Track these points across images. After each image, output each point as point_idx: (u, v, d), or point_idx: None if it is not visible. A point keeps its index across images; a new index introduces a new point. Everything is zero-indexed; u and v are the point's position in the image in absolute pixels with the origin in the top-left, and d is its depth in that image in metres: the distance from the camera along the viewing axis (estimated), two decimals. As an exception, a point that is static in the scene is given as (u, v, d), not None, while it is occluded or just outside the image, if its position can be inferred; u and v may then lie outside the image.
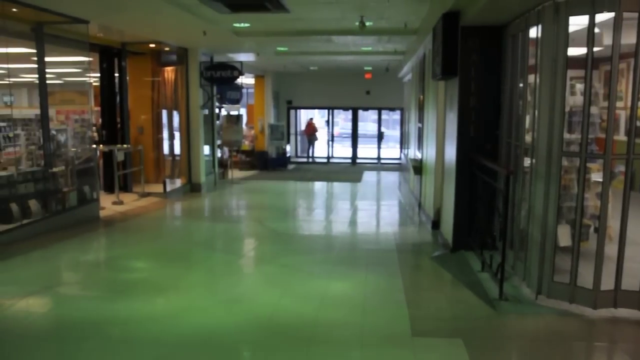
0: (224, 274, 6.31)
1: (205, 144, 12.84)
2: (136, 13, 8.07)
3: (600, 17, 4.49)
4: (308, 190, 14.11)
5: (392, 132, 24.02)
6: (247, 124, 18.66)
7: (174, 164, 12.23)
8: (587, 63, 4.48)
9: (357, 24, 8.80)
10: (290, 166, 18.84)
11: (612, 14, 4.36)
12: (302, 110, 21.88)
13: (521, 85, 5.70)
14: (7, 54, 7.43)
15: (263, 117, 18.38)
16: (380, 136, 20.59)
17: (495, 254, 5.63)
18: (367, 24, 8.88)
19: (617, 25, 4.33)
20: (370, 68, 17.60)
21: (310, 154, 21.05)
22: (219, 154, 14.33)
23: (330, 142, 20.89)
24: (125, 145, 11.03)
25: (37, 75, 8.11)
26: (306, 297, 5.34)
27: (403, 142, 17.20)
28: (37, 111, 8.31)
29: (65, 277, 6.32)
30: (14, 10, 7.23)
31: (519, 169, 5.64)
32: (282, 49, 12.98)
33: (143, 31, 9.83)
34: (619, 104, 8.50)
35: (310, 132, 20.93)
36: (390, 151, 20.75)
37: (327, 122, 21.18)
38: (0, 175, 7.44)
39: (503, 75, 6.26)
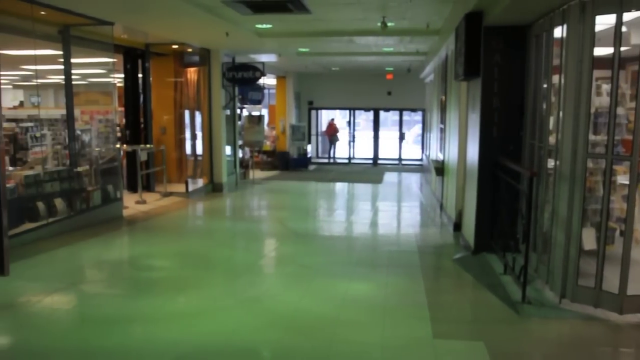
0: (244, 273, 6.34)
1: (227, 144, 12.92)
2: (160, 15, 8.15)
3: (627, 16, 4.41)
4: (329, 190, 14.11)
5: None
6: (268, 125, 18.74)
7: (196, 164, 12.34)
8: (613, 63, 4.40)
9: (378, 24, 8.76)
10: (311, 167, 18.86)
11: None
12: (324, 111, 21.89)
13: (545, 85, 5.63)
14: (35, 56, 7.58)
15: (284, 117, 18.44)
16: (401, 137, 20.48)
17: (518, 257, 5.56)
18: (389, 24, 8.84)
19: (645, 25, 4.25)
20: (391, 69, 17.54)
21: (331, 155, 21.04)
22: (240, 154, 14.41)
23: (352, 143, 20.85)
24: (148, 145, 11.16)
25: (63, 77, 8.25)
26: (327, 297, 5.34)
27: (424, 143, 17.10)
28: (63, 111, 8.45)
29: (89, 275, 6.41)
30: (43, 13, 7.36)
31: (543, 171, 5.57)
32: (303, 49, 13.01)
33: (166, 32, 9.94)
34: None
35: (332, 132, 20.93)
36: (412, 152, 20.62)
37: (349, 122, 21.16)
38: (27, 175, 7.57)
39: (527, 76, 6.19)
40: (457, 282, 6.09)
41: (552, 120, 5.44)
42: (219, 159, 12.44)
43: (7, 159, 7.73)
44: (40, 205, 7.58)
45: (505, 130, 6.39)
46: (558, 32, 5.12)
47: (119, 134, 11.15)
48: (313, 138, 20.73)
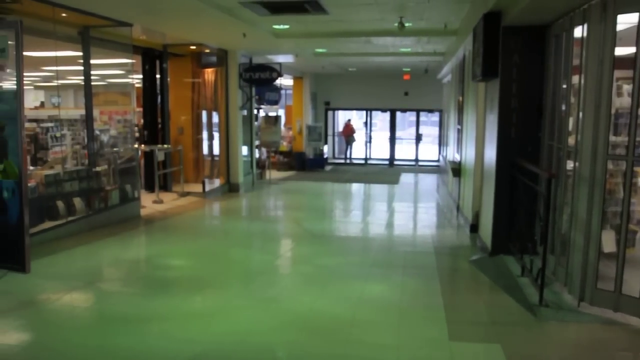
0: (260, 273, 6.36)
1: (244, 144, 12.97)
2: (178, 16, 8.21)
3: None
4: (345, 191, 14.09)
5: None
6: (285, 125, 18.77)
7: (213, 164, 12.41)
8: (635, 63, 4.34)
9: (396, 24, 8.74)
10: (328, 167, 18.85)
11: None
12: (340, 112, 21.87)
13: (565, 86, 5.56)
14: (56, 57, 7.68)
15: (301, 118, 18.46)
16: (418, 138, 20.40)
17: (536, 259, 5.51)
18: (407, 24, 8.81)
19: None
20: (408, 69, 17.47)
21: (348, 155, 21.02)
22: (257, 154, 14.46)
23: (368, 144, 20.81)
24: (165, 146, 11.24)
25: (82, 77, 8.35)
26: (343, 298, 5.33)
27: (441, 144, 17.01)
28: (82, 112, 8.55)
29: (106, 273, 6.48)
30: (63, 15, 7.46)
31: (562, 172, 5.50)
32: (320, 50, 13.01)
33: (184, 33, 10.00)
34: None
35: (348, 133, 20.90)
36: (428, 153, 20.52)
37: (365, 123, 21.12)
38: (47, 174, 7.68)
39: (546, 77, 6.12)
40: (473, 284, 6.04)
41: (571, 121, 5.38)
42: (235, 159, 12.49)
43: (28, 158, 7.84)
44: (60, 204, 7.68)
45: (523, 131, 6.33)
46: (578, 31, 5.06)
47: (137, 134, 11.25)
48: (329, 139, 20.72)
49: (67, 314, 4.90)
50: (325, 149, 19.31)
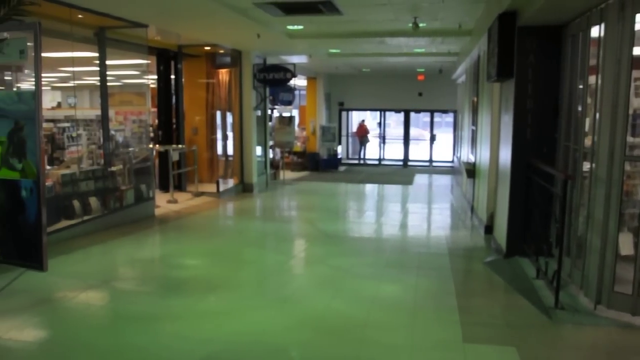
0: (274, 273, 6.37)
1: (258, 144, 13.01)
2: (192, 17, 8.25)
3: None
4: (359, 192, 14.07)
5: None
6: (299, 126, 18.78)
7: (227, 165, 12.45)
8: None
9: (410, 25, 8.71)
10: (341, 168, 18.84)
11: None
12: (354, 112, 21.85)
13: (581, 86, 5.50)
14: (72, 58, 7.76)
15: (315, 118, 18.47)
16: (432, 139, 20.30)
17: (551, 261, 5.46)
18: (421, 25, 8.78)
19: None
20: (423, 69, 17.41)
21: (362, 156, 20.99)
22: (271, 155, 14.49)
23: (382, 144, 20.77)
24: (180, 146, 11.31)
25: (98, 78, 8.42)
26: (356, 299, 5.32)
27: (456, 145, 16.92)
28: (98, 112, 8.63)
29: (122, 272, 6.53)
30: (80, 16, 7.53)
31: (578, 174, 5.45)
32: (334, 51, 13.01)
33: (199, 34, 10.05)
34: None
35: (362, 134, 20.87)
36: (443, 153, 20.43)
37: (379, 124, 21.07)
38: (64, 173, 7.76)
39: (562, 77, 6.07)
40: (488, 286, 6.00)
41: (588, 121, 5.32)
42: (249, 159, 12.53)
43: (45, 158, 7.93)
44: (76, 203, 7.75)
45: (539, 132, 6.28)
46: (595, 31, 5.00)
47: (151, 134, 11.33)
48: (343, 139, 20.69)
49: (83, 312, 4.95)
50: (339, 149, 19.29)
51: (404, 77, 18.70)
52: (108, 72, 8.52)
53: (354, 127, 21.71)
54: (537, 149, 6.25)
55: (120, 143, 9.25)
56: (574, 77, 5.68)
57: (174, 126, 11.66)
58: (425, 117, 22.28)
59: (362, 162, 20.78)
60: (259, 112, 13.03)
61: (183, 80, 11.62)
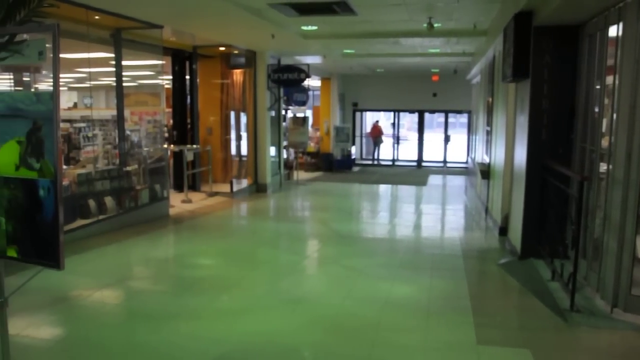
0: (287, 273, 6.38)
1: (272, 145, 13.04)
2: (208, 17, 8.30)
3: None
4: (372, 192, 14.05)
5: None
6: (312, 126, 18.79)
7: (241, 165, 12.50)
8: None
9: (425, 25, 8.68)
10: (355, 168, 18.82)
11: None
12: (368, 113, 21.81)
13: (598, 87, 5.45)
14: (88, 59, 7.84)
15: (329, 119, 18.48)
16: (446, 140, 20.21)
17: (567, 263, 5.40)
18: (435, 25, 8.75)
19: None
20: (437, 70, 17.34)
21: (376, 157, 20.95)
22: (284, 155, 14.52)
23: (396, 145, 20.72)
24: (194, 146, 11.37)
25: (114, 78, 8.50)
26: (369, 299, 5.32)
27: (470, 146, 16.83)
28: (114, 112, 8.70)
29: (136, 272, 6.58)
30: (96, 17, 7.61)
31: (594, 175, 5.39)
32: (348, 51, 13.00)
33: (214, 35, 10.10)
34: None
35: (376, 134, 20.84)
36: (457, 154, 20.33)
37: (393, 124, 21.02)
38: (80, 173, 7.84)
39: (578, 77, 6.01)
40: (502, 288, 5.96)
41: (605, 122, 5.26)
42: (263, 159, 12.57)
43: (62, 157, 8.00)
44: (92, 202, 7.83)
45: (554, 133, 6.23)
46: (613, 31, 4.95)
47: (166, 135, 11.41)
48: (357, 140, 20.67)
49: (98, 311, 5.00)
50: (353, 150, 19.28)
51: (418, 78, 18.64)
52: (124, 73, 8.59)
53: (367, 128, 21.68)
54: (553, 150, 6.19)
55: (136, 143, 9.32)
56: (591, 77, 5.62)
57: (189, 126, 11.73)
58: (439, 118, 22.18)
59: (375, 162, 20.74)
60: (273, 113, 13.06)
61: (198, 80, 11.68)
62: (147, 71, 10.33)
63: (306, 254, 7.71)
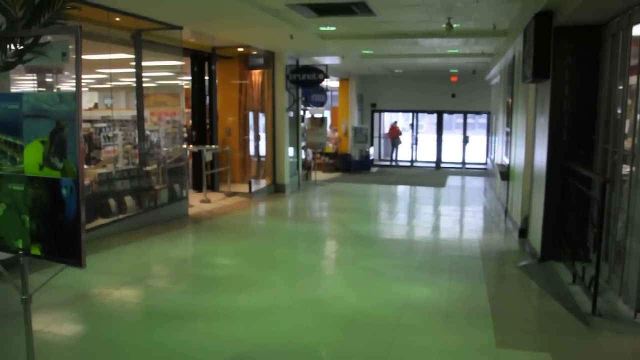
0: (306, 274, 6.39)
1: (290, 145, 13.07)
2: (227, 18, 8.34)
3: None
4: (391, 193, 14.01)
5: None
6: (331, 127, 18.79)
7: (259, 165, 12.54)
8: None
9: (444, 26, 8.63)
10: (373, 169, 18.77)
11: None
12: (386, 113, 21.75)
13: (621, 87, 5.37)
14: (109, 60, 7.93)
15: (347, 119, 18.46)
16: (465, 140, 20.06)
17: (588, 266, 5.33)
18: (455, 25, 8.69)
19: None
20: (456, 70, 17.23)
21: (394, 158, 20.88)
22: (303, 155, 14.54)
23: (414, 146, 20.62)
24: (213, 146, 11.45)
25: (134, 79, 8.59)
26: (388, 301, 5.30)
27: (489, 147, 16.70)
28: (134, 112, 8.80)
29: (155, 270, 6.64)
30: (117, 19, 7.70)
31: (617, 177, 5.31)
32: (367, 52, 12.98)
33: (233, 35, 10.16)
34: None
35: (394, 135, 20.77)
36: (476, 155, 20.18)
37: (412, 125, 20.92)
38: (100, 173, 7.94)
39: (600, 78, 5.92)
40: (522, 290, 5.90)
41: (628, 123, 5.18)
42: (281, 160, 12.60)
43: (83, 157, 8.11)
44: (112, 202, 7.92)
45: (575, 134, 6.15)
46: (637, 30, 4.87)
47: (185, 135, 11.49)
48: (375, 140, 20.62)
49: (117, 309, 5.05)
50: (371, 150, 19.24)
51: (436, 78, 18.54)
52: (144, 74, 8.68)
53: (386, 129, 21.62)
54: (574, 151, 6.12)
55: (155, 143, 9.40)
56: (614, 77, 5.54)
57: (208, 127, 11.81)
58: (458, 119, 22.03)
59: (394, 163, 20.67)
60: (291, 113, 13.09)
61: (216, 81, 11.76)
62: (167, 72, 10.43)
63: (324, 254, 7.71)
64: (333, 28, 9.81)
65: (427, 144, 21.79)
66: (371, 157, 19.01)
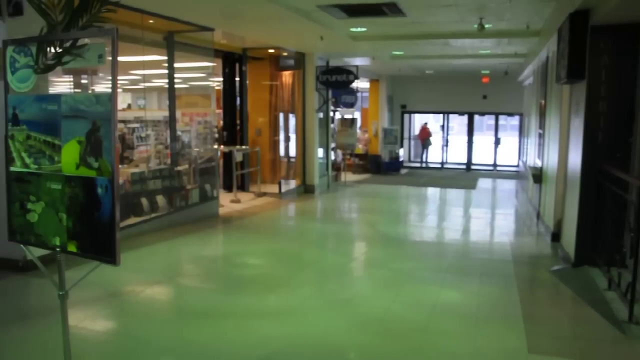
0: (335, 275, 6.39)
1: (320, 146, 13.09)
2: (258, 20, 8.41)
3: None
4: (421, 195, 13.91)
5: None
6: (361, 128, 18.77)
7: (289, 166, 12.59)
8: None
9: (475, 26, 8.54)
10: (403, 171, 18.67)
11: None
12: (416, 115, 21.61)
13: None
14: (143, 61, 8.07)
15: (377, 120, 18.40)
16: (497, 142, 19.79)
17: (625, 272, 5.20)
18: (487, 26, 8.59)
19: None
20: (487, 71, 17.02)
21: (424, 159, 20.74)
22: (332, 156, 14.54)
23: (445, 148, 20.44)
24: (243, 147, 11.54)
25: (167, 80, 8.72)
26: (417, 303, 5.26)
27: (521, 149, 16.45)
28: (166, 113, 8.92)
29: (186, 269, 6.73)
30: (151, 21, 7.83)
31: (655, 180, 5.17)
32: (397, 53, 12.92)
33: (263, 37, 10.23)
34: None
35: (424, 136, 20.63)
36: (507, 158, 19.90)
37: (442, 126, 20.75)
38: (133, 172, 8.08)
39: (638, 78, 5.77)
40: (555, 295, 5.79)
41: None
42: (311, 161, 12.62)
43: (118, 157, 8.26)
44: (144, 201, 8.05)
45: (611, 136, 6.01)
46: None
47: (216, 135, 11.61)
48: (405, 142, 20.51)
49: (149, 307, 5.13)
50: (401, 152, 19.14)
51: (468, 79, 18.35)
52: (176, 75, 8.80)
53: (416, 130, 21.48)
54: (610, 153, 5.98)
55: (186, 143, 9.52)
56: (652, 78, 5.40)
57: (238, 127, 11.91)
58: (489, 120, 21.74)
59: (424, 165, 20.53)
60: (321, 114, 13.11)
61: (247, 82, 11.85)
62: (198, 73, 10.55)
63: (354, 255, 7.69)
64: (363, 29, 9.80)
65: (457, 146, 21.59)
66: (401, 159, 18.92)
